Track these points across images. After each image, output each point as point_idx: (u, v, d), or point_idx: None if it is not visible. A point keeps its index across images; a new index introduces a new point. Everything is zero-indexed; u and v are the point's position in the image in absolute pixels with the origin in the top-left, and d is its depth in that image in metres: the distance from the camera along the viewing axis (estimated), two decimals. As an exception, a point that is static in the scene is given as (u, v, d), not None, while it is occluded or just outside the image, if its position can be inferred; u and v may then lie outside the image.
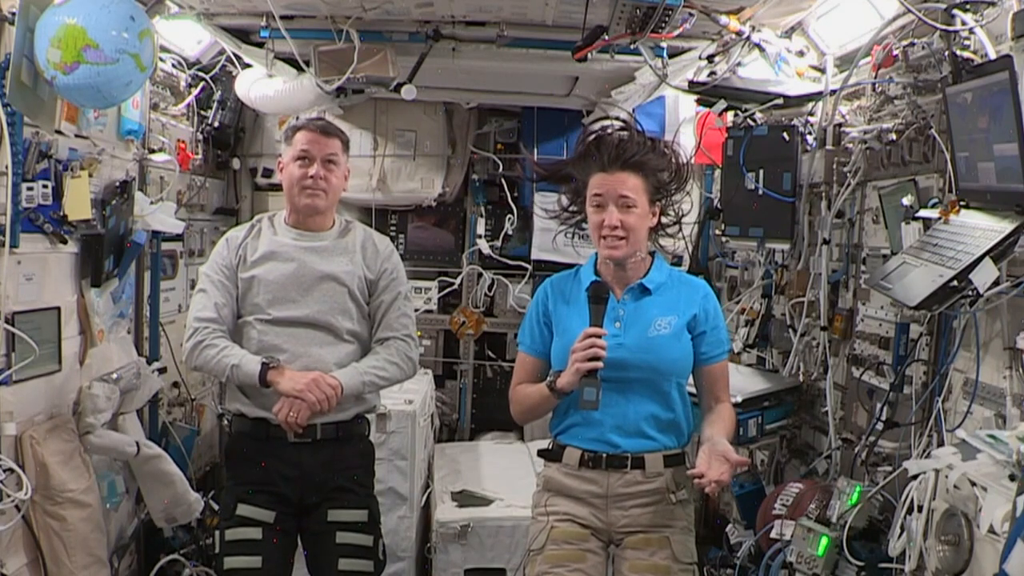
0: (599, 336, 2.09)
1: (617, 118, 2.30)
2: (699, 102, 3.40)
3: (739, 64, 3.02)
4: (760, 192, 3.15)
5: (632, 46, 2.95)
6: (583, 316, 2.17)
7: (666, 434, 2.24)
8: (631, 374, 2.18)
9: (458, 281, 4.91)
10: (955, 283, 1.92)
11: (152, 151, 3.38)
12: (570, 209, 2.35)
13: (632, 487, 2.21)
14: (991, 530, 1.60)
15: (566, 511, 2.24)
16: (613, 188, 2.15)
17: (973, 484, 1.68)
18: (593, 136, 2.24)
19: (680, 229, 2.36)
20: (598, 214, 2.18)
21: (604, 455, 2.21)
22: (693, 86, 3.16)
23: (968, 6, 2.11)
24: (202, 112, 3.99)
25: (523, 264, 4.79)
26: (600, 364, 2.08)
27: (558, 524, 2.24)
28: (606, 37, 2.78)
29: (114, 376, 2.91)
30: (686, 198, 2.33)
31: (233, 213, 4.52)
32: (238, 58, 3.71)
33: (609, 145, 2.19)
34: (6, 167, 2.31)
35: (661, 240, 2.34)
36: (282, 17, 3.05)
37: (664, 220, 2.29)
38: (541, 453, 2.36)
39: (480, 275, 4.88)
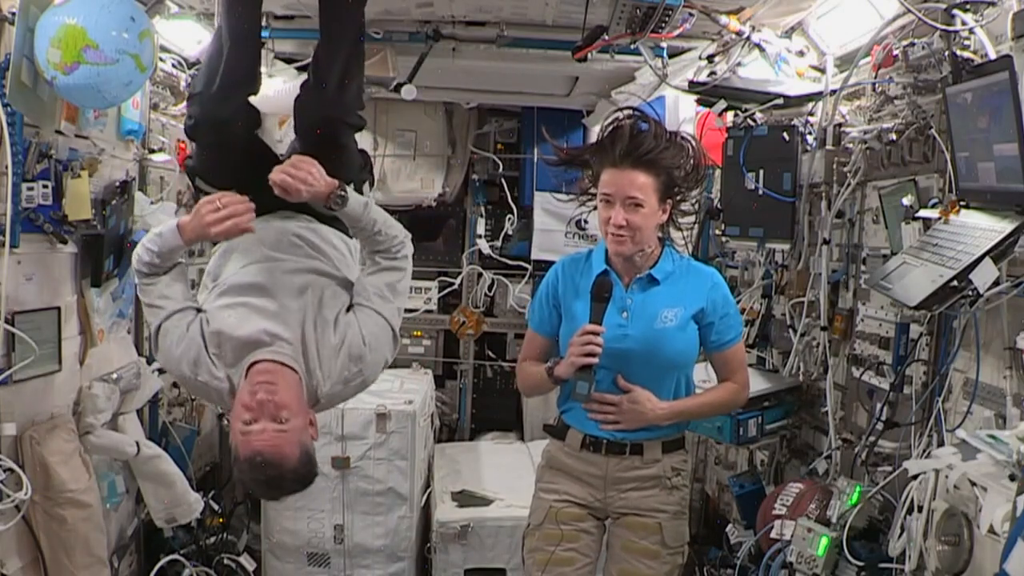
0: (597, 334, 2.14)
1: (637, 109, 2.28)
2: (699, 102, 3.39)
3: (739, 64, 3.01)
4: (760, 192, 3.15)
5: (632, 46, 2.94)
6: (589, 305, 2.21)
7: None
8: (636, 364, 2.23)
9: (458, 281, 4.91)
10: (955, 283, 1.92)
11: (152, 151, 3.38)
12: (590, 192, 2.36)
13: (630, 472, 2.29)
14: (991, 530, 1.60)
15: (566, 491, 2.32)
16: (622, 188, 2.17)
17: (973, 484, 1.68)
18: (609, 128, 2.24)
19: (694, 224, 2.38)
20: (606, 210, 2.21)
21: (604, 441, 2.28)
22: (693, 86, 3.15)
23: (968, 6, 2.10)
24: (202, 112, 3.98)
25: (523, 264, 4.78)
26: (595, 360, 2.14)
27: (556, 504, 2.32)
28: (606, 37, 2.77)
29: (114, 376, 2.91)
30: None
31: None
32: (238, 58, 3.70)
33: (623, 139, 2.18)
34: (6, 167, 2.31)
35: (671, 231, 2.37)
36: (282, 17, 3.05)
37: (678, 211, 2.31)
38: (546, 428, 2.44)
39: (480, 275, 4.88)
